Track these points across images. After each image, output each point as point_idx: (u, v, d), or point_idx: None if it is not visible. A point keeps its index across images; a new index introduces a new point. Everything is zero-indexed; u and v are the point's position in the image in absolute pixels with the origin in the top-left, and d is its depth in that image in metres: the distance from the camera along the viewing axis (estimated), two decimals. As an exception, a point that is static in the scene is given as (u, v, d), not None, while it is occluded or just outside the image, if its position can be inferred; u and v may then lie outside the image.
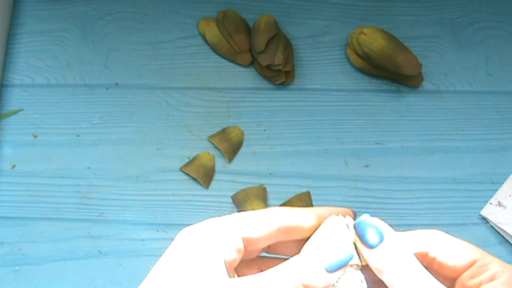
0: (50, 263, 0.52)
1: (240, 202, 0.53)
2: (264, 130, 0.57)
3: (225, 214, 0.57)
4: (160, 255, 0.54)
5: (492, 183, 0.55)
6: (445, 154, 0.56)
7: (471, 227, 0.54)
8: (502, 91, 0.58)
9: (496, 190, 0.55)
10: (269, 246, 0.30)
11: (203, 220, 0.55)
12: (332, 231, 0.29)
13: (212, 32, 0.58)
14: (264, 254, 0.31)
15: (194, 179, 0.54)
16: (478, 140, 0.57)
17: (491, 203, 0.54)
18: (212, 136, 0.56)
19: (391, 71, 0.56)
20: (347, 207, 0.54)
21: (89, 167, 0.55)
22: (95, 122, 0.57)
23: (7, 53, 0.59)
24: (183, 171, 0.55)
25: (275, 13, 0.59)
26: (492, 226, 0.53)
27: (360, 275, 0.28)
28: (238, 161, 0.55)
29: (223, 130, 0.56)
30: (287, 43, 0.57)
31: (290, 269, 0.26)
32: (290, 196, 0.54)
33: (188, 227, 0.27)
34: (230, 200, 0.54)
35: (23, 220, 0.53)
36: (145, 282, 0.26)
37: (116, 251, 0.52)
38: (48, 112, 0.57)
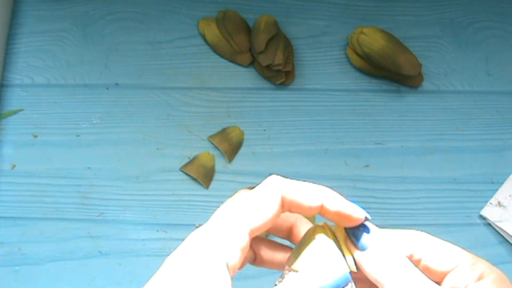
0: (50, 263, 0.52)
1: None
2: (264, 130, 0.57)
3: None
4: (160, 255, 0.54)
5: (492, 183, 0.55)
6: (445, 154, 0.56)
7: (471, 227, 0.54)
8: (502, 91, 0.58)
9: (496, 190, 0.55)
10: None
11: (203, 220, 0.55)
12: (325, 247, 0.28)
13: (212, 32, 0.58)
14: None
15: (194, 179, 0.54)
16: (478, 140, 0.57)
17: (491, 203, 0.54)
18: (212, 136, 0.56)
19: (391, 71, 0.56)
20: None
21: (89, 167, 0.55)
22: (95, 122, 0.57)
23: (7, 53, 0.59)
24: (183, 171, 0.55)
25: (275, 13, 0.59)
26: (492, 226, 0.53)
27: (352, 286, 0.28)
28: (238, 161, 0.55)
29: (223, 130, 0.56)
30: (287, 43, 0.57)
31: None
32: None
33: (197, 229, 0.27)
34: (230, 200, 0.54)
35: (23, 220, 0.53)
36: (147, 287, 0.26)
37: (116, 251, 0.52)
38: (48, 112, 0.57)
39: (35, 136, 0.56)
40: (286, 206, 0.28)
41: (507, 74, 0.59)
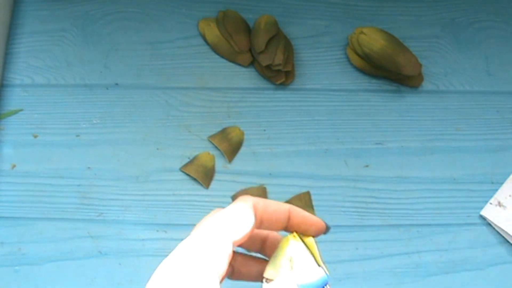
0: (50, 263, 0.52)
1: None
2: (264, 130, 0.57)
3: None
4: (160, 255, 0.54)
5: (492, 183, 0.55)
6: (445, 154, 0.56)
7: (471, 227, 0.54)
8: (502, 91, 0.58)
9: (496, 190, 0.55)
10: None
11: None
12: (300, 254, 0.30)
13: (212, 32, 0.58)
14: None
15: (194, 179, 0.54)
16: (478, 140, 0.57)
17: (491, 203, 0.54)
18: (212, 136, 0.56)
19: (391, 71, 0.56)
20: (348, 207, 0.55)
21: (89, 167, 0.55)
22: (95, 122, 0.57)
23: (7, 53, 0.59)
24: (183, 171, 0.55)
25: (275, 13, 0.59)
26: (492, 226, 0.53)
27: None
28: (238, 161, 0.55)
29: (223, 130, 0.56)
30: (287, 43, 0.57)
31: None
32: (290, 196, 0.54)
33: (184, 241, 0.28)
34: (230, 200, 0.54)
35: (23, 220, 0.53)
36: None
37: (116, 251, 0.52)
38: (48, 112, 0.57)
39: (35, 136, 0.56)
40: (258, 220, 0.30)
41: (507, 74, 0.59)
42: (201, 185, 0.54)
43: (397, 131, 0.57)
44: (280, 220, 0.30)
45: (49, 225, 0.53)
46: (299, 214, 0.31)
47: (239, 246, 0.30)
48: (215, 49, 0.59)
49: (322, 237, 0.33)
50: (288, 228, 0.31)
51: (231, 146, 0.55)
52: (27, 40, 0.59)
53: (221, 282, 0.27)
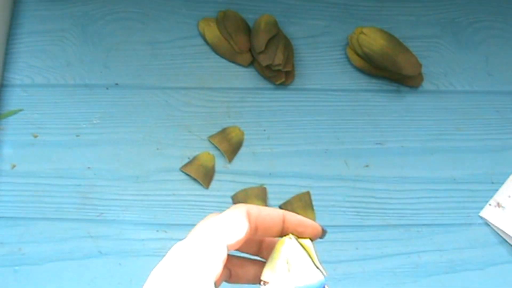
0: (50, 263, 0.52)
1: (240, 202, 0.53)
2: (264, 130, 0.57)
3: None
4: (160, 255, 0.54)
5: (492, 183, 0.55)
6: (445, 154, 0.56)
7: (471, 227, 0.54)
8: (502, 91, 0.58)
9: (496, 190, 0.55)
10: None
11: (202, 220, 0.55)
12: (297, 256, 0.30)
13: (212, 32, 0.58)
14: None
15: (194, 179, 0.54)
16: (478, 140, 0.57)
17: (490, 204, 0.54)
18: (212, 136, 0.56)
19: (391, 71, 0.56)
20: (348, 207, 0.55)
21: (89, 167, 0.55)
22: (95, 122, 0.57)
23: (7, 53, 0.59)
24: (183, 171, 0.55)
25: (275, 13, 0.59)
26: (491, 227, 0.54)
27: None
28: (238, 161, 0.55)
29: (223, 130, 0.56)
30: (287, 43, 0.57)
31: None
32: (290, 196, 0.54)
33: (179, 244, 0.28)
34: (230, 200, 0.54)
35: (23, 220, 0.53)
36: None
37: (116, 251, 0.52)
38: (48, 112, 0.57)
39: (35, 136, 0.56)
40: (252, 226, 0.30)
41: (507, 74, 0.59)
42: (201, 185, 0.54)
43: (397, 131, 0.57)
44: (275, 225, 0.31)
45: (49, 225, 0.53)
46: (294, 217, 0.31)
47: (236, 250, 0.31)
48: (215, 49, 0.59)
49: (322, 237, 0.33)
50: (284, 233, 0.31)
51: (231, 146, 0.55)
52: (27, 40, 0.59)
53: (218, 286, 0.27)
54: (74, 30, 0.60)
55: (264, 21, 0.57)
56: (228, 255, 0.32)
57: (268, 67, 0.56)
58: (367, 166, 0.55)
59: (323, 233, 0.33)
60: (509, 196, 0.54)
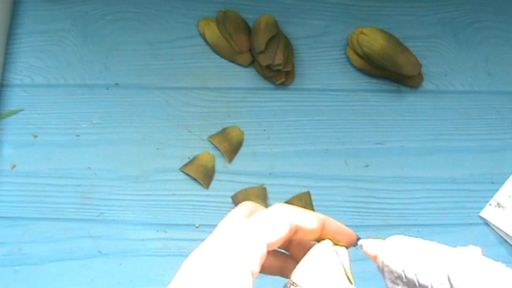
0: (50, 263, 0.52)
1: (240, 202, 0.53)
2: (264, 130, 0.57)
3: (225, 214, 0.57)
4: (160, 255, 0.54)
5: (492, 183, 0.55)
6: (445, 154, 0.56)
7: (471, 227, 0.54)
8: (502, 91, 0.58)
9: (496, 190, 0.55)
10: None
11: (203, 220, 0.55)
12: (333, 265, 0.30)
13: (212, 32, 0.58)
14: None
15: (194, 179, 0.54)
16: (478, 140, 0.57)
17: (490, 205, 0.54)
18: (212, 136, 0.56)
19: (391, 71, 0.56)
20: (348, 207, 0.55)
21: (89, 167, 0.55)
22: (95, 122, 0.56)
23: (7, 53, 0.59)
24: (183, 171, 0.55)
25: (275, 13, 0.59)
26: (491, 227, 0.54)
27: None
28: (238, 161, 0.55)
29: (223, 130, 0.56)
30: (287, 43, 0.57)
31: None
32: (290, 196, 0.54)
33: (217, 233, 0.28)
34: (230, 200, 0.54)
35: (23, 220, 0.53)
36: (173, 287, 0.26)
37: (116, 251, 0.52)
38: (48, 112, 0.57)
39: (35, 136, 0.56)
40: (293, 228, 0.29)
41: (507, 74, 0.59)
42: (201, 185, 0.54)
43: (397, 131, 0.57)
44: (315, 230, 0.30)
45: (49, 225, 0.53)
46: (333, 224, 0.31)
47: None
48: (215, 49, 0.59)
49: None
50: (321, 238, 0.31)
51: (231, 146, 0.55)
52: (27, 40, 0.59)
53: (254, 279, 0.27)
54: (74, 30, 0.60)
55: (264, 21, 0.57)
56: None
57: (268, 67, 0.56)
58: (367, 166, 0.55)
59: (357, 241, 0.33)
60: (509, 196, 0.54)
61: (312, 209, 0.53)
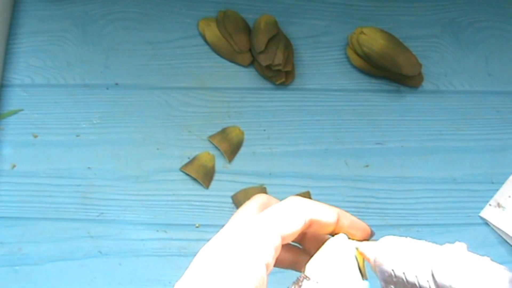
0: (50, 263, 0.52)
1: (240, 202, 0.53)
2: (264, 130, 0.57)
3: (225, 215, 0.57)
4: (160, 255, 0.54)
5: (492, 183, 0.55)
6: (445, 154, 0.56)
7: (471, 227, 0.54)
8: (502, 91, 0.58)
9: (496, 190, 0.55)
10: None
11: (203, 220, 0.55)
12: (347, 260, 0.29)
13: (212, 32, 0.58)
14: None
15: (194, 179, 0.54)
16: (478, 140, 0.57)
17: (490, 205, 0.54)
18: (212, 136, 0.56)
19: (391, 71, 0.56)
20: (348, 207, 0.55)
21: (89, 167, 0.55)
22: (95, 122, 0.57)
23: (7, 53, 0.59)
24: (183, 171, 0.55)
25: (275, 13, 0.59)
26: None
27: None
28: (238, 161, 0.55)
29: (223, 130, 0.56)
30: (287, 43, 0.57)
31: None
32: (290, 196, 0.54)
33: (231, 225, 0.28)
34: (230, 200, 0.54)
35: (23, 220, 0.53)
36: (185, 280, 0.26)
37: (116, 251, 0.52)
38: (48, 112, 0.57)
39: (35, 136, 0.56)
40: (308, 221, 0.29)
41: (507, 74, 0.59)
42: (201, 185, 0.54)
43: (397, 131, 0.57)
44: (329, 224, 0.30)
45: (49, 225, 0.53)
46: (348, 218, 0.31)
47: None
48: (215, 49, 0.59)
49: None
50: (335, 232, 0.31)
51: (231, 146, 0.55)
52: (27, 40, 0.59)
53: (268, 271, 0.27)
54: (74, 30, 0.60)
55: (264, 21, 0.57)
56: None
57: (268, 67, 0.56)
58: (367, 166, 0.55)
59: (371, 235, 0.32)
60: (509, 196, 0.54)
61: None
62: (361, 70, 0.58)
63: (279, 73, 0.56)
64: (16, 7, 0.61)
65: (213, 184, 0.55)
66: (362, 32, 0.56)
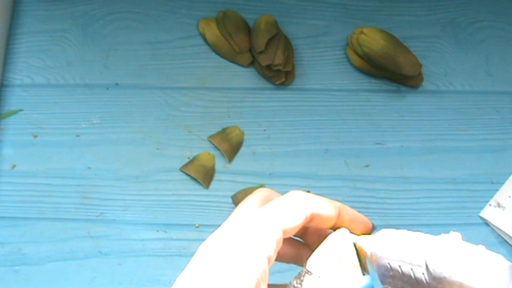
0: (50, 263, 0.52)
1: (240, 202, 0.53)
2: (264, 130, 0.57)
3: (225, 215, 0.57)
4: (160, 255, 0.54)
5: (492, 183, 0.55)
6: (445, 154, 0.56)
7: (471, 227, 0.54)
8: (502, 91, 0.58)
9: (496, 190, 0.55)
10: None
11: (203, 220, 0.55)
12: (348, 254, 0.29)
13: (212, 32, 0.58)
14: None
15: (194, 179, 0.54)
16: (478, 140, 0.57)
17: (490, 205, 0.54)
18: (212, 136, 0.56)
19: (391, 71, 0.56)
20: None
21: (89, 167, 0.55)
22: (95, 122, 0.57)
23: (7, 53, 0.59)
24: (183, 171, 0.55)
25: (275, 13, 0.59)
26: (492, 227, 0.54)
27: None
28: (238, 161, 0.55)
29: (223, 130, 0.56)
30: (287, 43, 0.57)
31: None
32: (290, 196, 0.54)
33: (232, 219, 0.28)
34: (230, 200, 0.54)
35: (23, 220, 0.53)
36: (186, 273, 0.26)
37: (116, 251, 0.52)
38: (48, 112, 0.57)
39: (35, 136, 0.56)
40: (309, 216, 0.29)
41: (507, 74, 0.59)
42: (201, 185, 0.54)
43: (397, 131, 0.57)
44: (330, 218, 0.30)
45: (49, 225, 0.53)
46: (349, 212, 0.31)
47: None
48: (215, 49, 0.59)
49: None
50: (336, 226, 0.31)
51: (231, 146, 0.55)
52: (27, 40, 0.59)
53: (270, 265, 0.27)
54: (74, 30, 0.60)
55: (264, 21, 0.57)
56: None
57: (268, 67, 0.56)
58: (367, 166, 0.55)
59: (372, 229, 0.32)
60: (509, 196, 0.54)
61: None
62: (361, 70, 0.58)
63: (279, 73, 0.56)
64: (16, 7, 0.61)
65: (213, 184, 0.55)
66: (362, 32, 0.56)
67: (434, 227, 0.53)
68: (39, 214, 0.54)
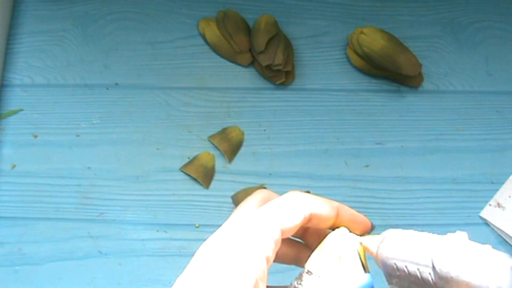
0: (50, 263, 0.52)
1: (240, 202, 0.53)
2: (264, 130, 0.57)
3: (225, 215, 0.57)
4: (160, 255, 0.54)
5: (492, 183, 0.55)
6: (445, 154, 0.56)
7: (471, 227, 0.54)
8: (502, 91, 0.58)
9: (496, 190, 0.55)
10: None
11: (203, 220, 0.55)
12: (348, 254, 0.29)
13: (212, 32, 0.58)
14: None
15: (194, 179, 0.54)
16: (478, 140, 0.57)
17: (490, 205, 0.54)
18: (212, 136, 0.56)
19: (391, 71, 0.56)
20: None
21: (89, 167, 0.55)
22: (95, 122, 0.57)
23: (7, 53, 0.59)
24: (183, 171, 0.55)
25: (275, 13, 0.59)
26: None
27: None
28: (238, 161, 0.55)
29: (223, 130, 0.56)
30: (287, 43, 0.57)
31: None
32: (290, 196, 0.54)
33: (231, 220, 0.28)
34: (230, 200, 0.54)
35: (23, 220, 0.53)
36: (186, 274, 0.26)
37: (116, 251, 0.52)
38: (48, 112, 0.57)
39: (35, 136, 0.56)
40: (308, 216, 0.29)
41: (507, 74, 0.59)
42: (201, 185, 0.54)
43: (397, 131, 0.57)
44: (329, 218, 0.30)
45: (49, 225, 0.53)
46: (347, 212, 0.31)
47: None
48: (215, 49, 0.59)
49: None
50: (335, 226, 0.31)
51: (231, 146, 0.55)
52: (27, 40, 0.59)
53: (269, 266, 0.27)
54: (74, 30, 0.60)
55: (264, 21, 0.57)
56: None
57: (268, 67, 0.56)
58: (367, 166, 0.55)
59: (372, 229, 0.32)
60: (509, 196, 0.54)
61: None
62: (361, 70, 0.58)
63: (279, 73, 0.56)
64: (16, 7, 0.61)
65: (213, 184, 0.55)
66: (362, 32, 0.56)
67: (434, 227, 0.53)
68: (39, 214, 0.54)
